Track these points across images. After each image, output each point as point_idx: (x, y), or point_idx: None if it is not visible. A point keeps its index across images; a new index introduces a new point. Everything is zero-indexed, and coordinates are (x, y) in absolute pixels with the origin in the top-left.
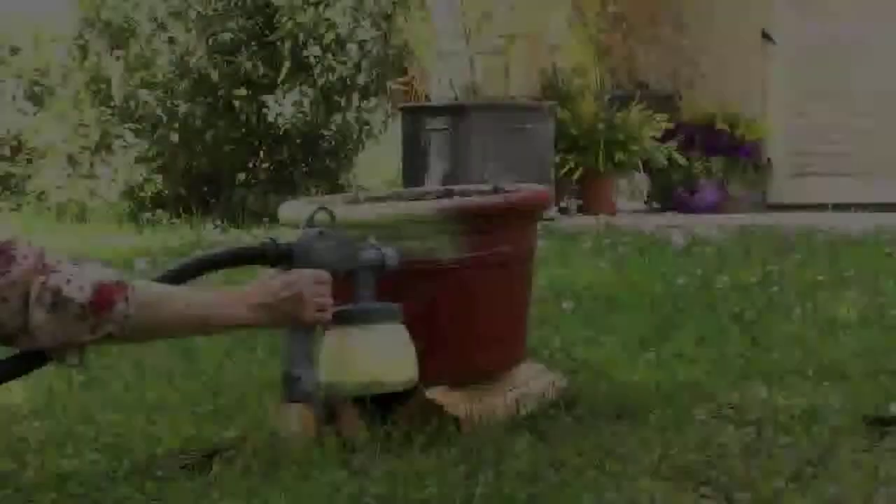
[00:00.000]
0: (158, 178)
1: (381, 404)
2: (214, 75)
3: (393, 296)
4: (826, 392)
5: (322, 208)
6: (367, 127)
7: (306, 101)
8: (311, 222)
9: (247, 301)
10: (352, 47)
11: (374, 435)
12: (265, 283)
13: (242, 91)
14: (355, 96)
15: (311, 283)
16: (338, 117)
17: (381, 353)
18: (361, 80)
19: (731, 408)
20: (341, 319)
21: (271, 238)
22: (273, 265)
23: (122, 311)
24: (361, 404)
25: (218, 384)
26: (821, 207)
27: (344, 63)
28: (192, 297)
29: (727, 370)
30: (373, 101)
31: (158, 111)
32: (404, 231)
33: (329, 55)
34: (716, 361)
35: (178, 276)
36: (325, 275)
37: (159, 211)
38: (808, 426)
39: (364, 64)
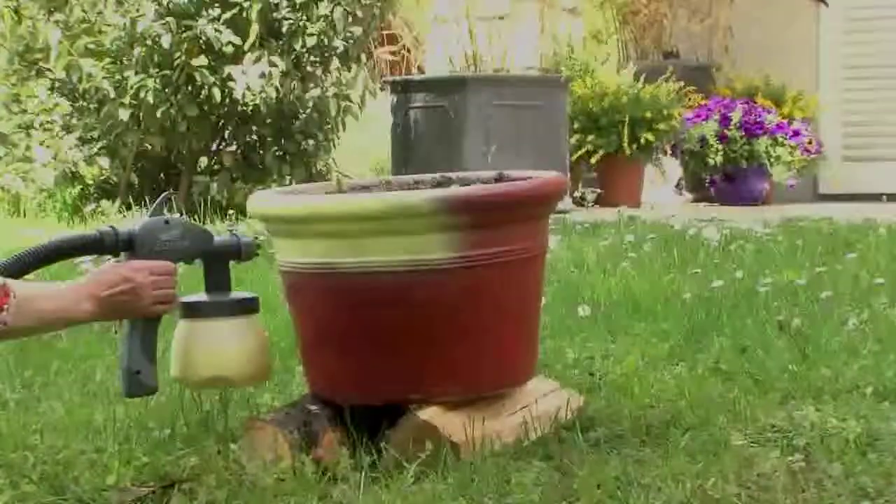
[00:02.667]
0: (105, 162)
1: (368, 427)
2: (169, 42)
3: (383, 301)
4: (885, 413)
5: (170, 193)
6: (349, 103)
7: (277, 73)
8: (157, 210)
9: (91, 294)
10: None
11: (359, 462)
12: (102, 273)
13: (203, 61)
14: (334, 65)
15: (148, 274)
16: (314, 91)
17: (226, 348)
18: (339, 43)
19: (776, 431)
20: (189, 312)
21: (111, 226)
22: (113, 255)
23: (2, 320)
24: (343, 427)
25: (175, 403)
26: (880, 198)
27: (317, 21)
28: (51, 293)
29: (770, 387)
30: (354, 69)
31: (105, 84)
32: (393, 226)
33: (302, 16)
34: (757, 377)
35: (13, 271)
36: (166, 265)
37: (106, 201)
38: (865, 453)
39: (337, 13)
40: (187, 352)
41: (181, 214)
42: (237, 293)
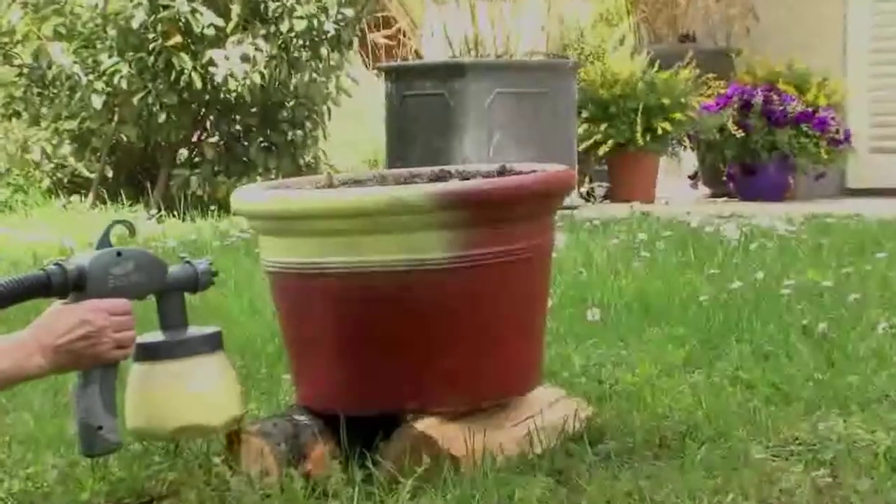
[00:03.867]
0: (77, 154)
1: (361, 439)
2: (143, 22)
3: (377, 303)
4: None
5: (119, 222)
6: (340, 91)
7: (262, 58)
8: (105, 240)
9: (40, 344)
10: None
11: (351, 477)
12: (52, 320)
13: (182, 43)
14: (324, 50)
15: (106, 315)
16: (302, 78)
17: (195, 392)
18: (329, 26)
19: (799, 444)
20: (146, 354)
21: (58, 263)
22: (62, 296)
23: None
24: (334, 439)
25: None
26: None
27: (307, 2)
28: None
29: (794, 396)
30: (345, 52)
31: (76, 70)
32: (387, 223)
33: None
34: (779, 385)
35: None
36: (124, 304)
37: (77, 196)
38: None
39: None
40: (148, 400)
41: (158, 210)
42: (197, 328)
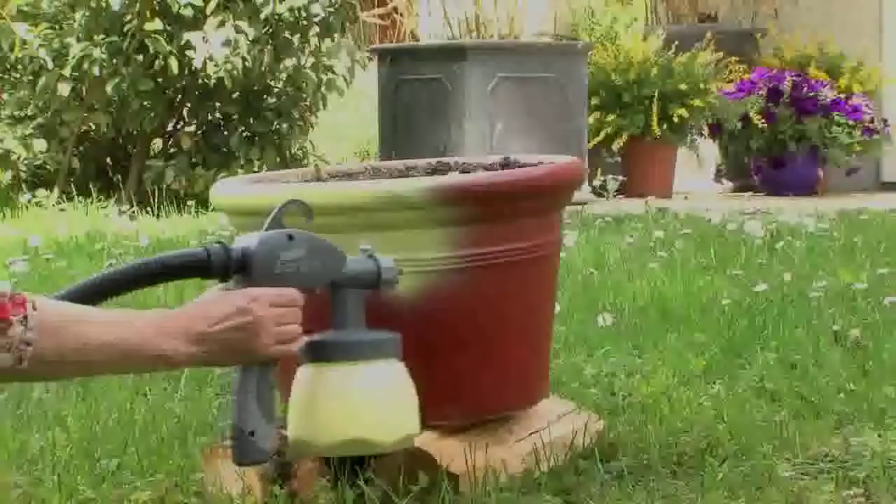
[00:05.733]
0: (41, 144)
1: (353, 455)
2: (118, 3)
3: (369, 307)
4: None
5: (294, 201)
6: (330, 76)
7: (244, 41)
8: (277, 221)
9: (187, 328)
10: None
11: (341, 496)
12: (208, 304)
13: (157, 25)
14: (313, 33)
15: (267, 305)
16: (289, 63)
17: (370, 402)
18: (319, 8)
19: (830, 460)
20: (316, 354)
21: (220, 242)
22: (222, 279)
23: (20, 336)
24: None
25: (126, 428)
26: None
27: None
28: (115, 320)
29: (824, 409)
30: (337, 38)
31: (42, 53)
32: (381, 219)
33: None
34: (808, 397)
35: (85, 298)
36: (292, 294)
37: (42, 190)
38: None
39: None
40: (315, 407)
41: (131, 205)
42: (373, 331)
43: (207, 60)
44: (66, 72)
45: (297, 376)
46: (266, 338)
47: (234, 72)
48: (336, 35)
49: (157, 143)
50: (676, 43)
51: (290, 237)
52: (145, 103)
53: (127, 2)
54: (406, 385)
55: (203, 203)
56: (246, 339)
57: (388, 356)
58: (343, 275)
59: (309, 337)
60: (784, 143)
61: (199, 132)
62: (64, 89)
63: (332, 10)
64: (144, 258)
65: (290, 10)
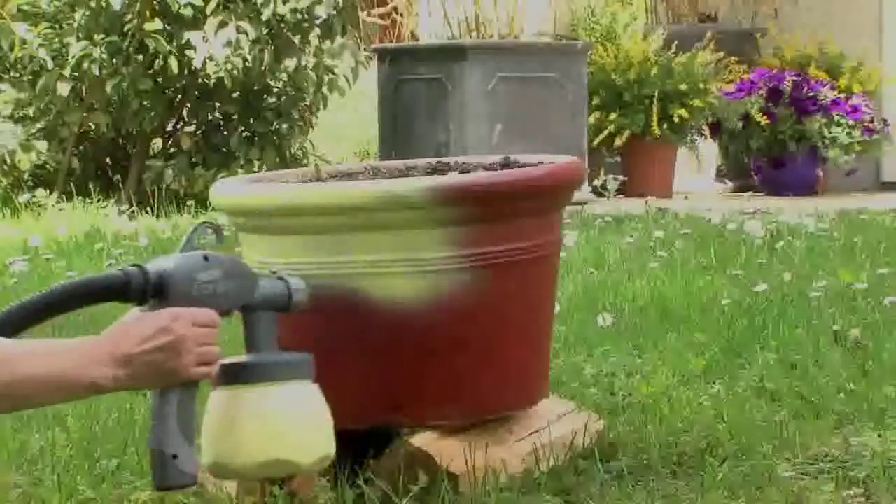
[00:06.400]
0: (41, 144)
1: (352, 455)
2: (118, 3)
3: (368, 307)
4: None
5: (206, 223)
6: (331, 76)
7: (245, 41)
8: (190, 243)
9: (112, 352)
10: None
11: (341, 496)
12: (129, 325)
13: (157, 25)
14: (314, 34)
15: (189, 324)
16: (290, 63)
17: (287, 423)
18: (323, 10)
19: (830, 460)
20: (231, 377)
21: (138, 265)
22: (140, 302)
23: None
24: None
25: (126, 428)
26: None
27: None
28: (42, 352)
29: (824, 409)
30: (339, 40)
31: (41, 53)
32: (380, 220)
33: None
34: (808, 397)
35: (2, 329)
36: (211, 314)
37: (42, 191)
38: None
39: None
40: (231, 430)
41: (130, 205)
42: (286, 352)
43: (207, 60)
44: (66, 71)
45: (211, 400)
46: (188, 358)
47: (234, 72)
48: (338, 36)
49: (157, 143)
50: (676, 43)
51: (206, 258)
52: (145, 103)
53: (127, 1)
54: (321, 406)
55: (203, 203)
56: (168, 359)
57: (302, 377)
58: (256, 296)
59: (222, 361)
60: (784, 143)
61: (199, 132)
62: (64, 89)
63: (334, 12)
64: (62, 282)
65: (293, 11)
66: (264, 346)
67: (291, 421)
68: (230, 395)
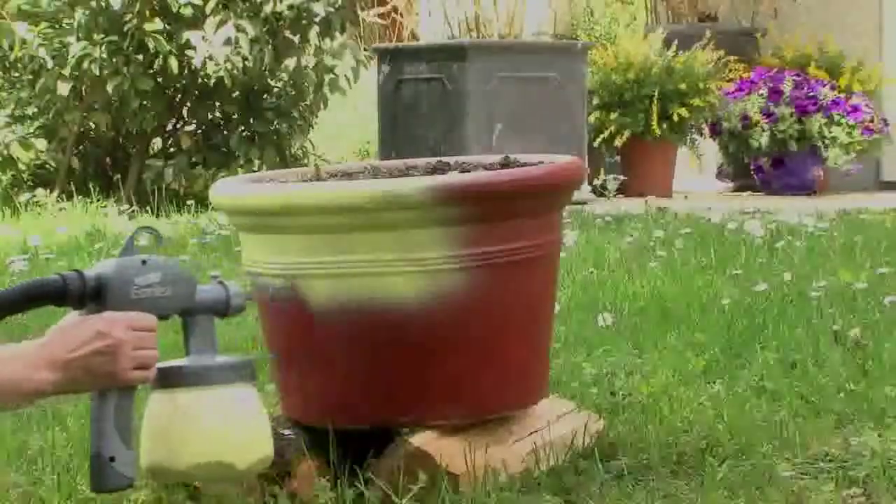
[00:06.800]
0: (41, 144)
1: (352, 454)
2: (118, 3)
3: (369, 307)
4: None
5: (145, 228)
6: (331, 76)
7: (245, 40)
8: (129, 247)
9: (52, 357)
10: None
11: (341, 496)
12: (67, 330)
13: (157, 25)
14: (314, 33)
15: (126, 328)
16: (290, 62)
17: (222, 426)
18: (321, 8)
19: (830, 460)
20: (170, 380)
21: (77, 270)
22: (78, 306)
23: None
24: (323, 454)
25: None
26: None
27: None
28: None
29: (824, 409)
30: (339, 38)
31: (41, 53)
32: (380, 219)
33: None
34: (808, 397)
35: None
36: (149, 318)
37: (42, 190)
38: None
39: None
40: (169, 433)
41: (130, 205)
42: (226, 356)
43: (207, 60)
44: (66, 71)
45: (150, 403)
46: (125, 362)
47: (234, 71)
48: (337, 34)
49: (157, 143)
50: (676, 42)
51: (145, 263)
52: (145, 103)
53: (127, 1)
54: (259, 409)
55: (202, 202)
56: (106, 363)
57: (240, 381)
58: (195, 301)
59: (160, 364)
60: (784, 143)
61: (199, 132)
62: (63, 89)
63: (332, 9)
64: (12, 288)
65: (290, 7)
66: (203, 350)
67: (228, 424)
68: (168, 398)
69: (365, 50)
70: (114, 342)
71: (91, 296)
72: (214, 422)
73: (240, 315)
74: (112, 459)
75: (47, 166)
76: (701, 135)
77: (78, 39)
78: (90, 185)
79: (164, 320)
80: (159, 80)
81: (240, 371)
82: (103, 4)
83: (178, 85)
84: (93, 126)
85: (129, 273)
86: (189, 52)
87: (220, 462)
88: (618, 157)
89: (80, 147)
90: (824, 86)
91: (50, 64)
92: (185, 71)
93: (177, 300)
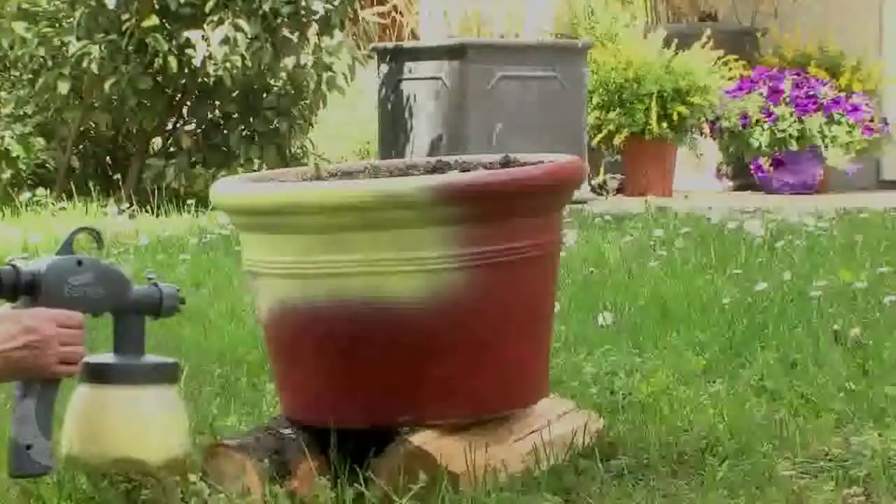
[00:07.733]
0: (41, 143)
1: (352, 454)
2: (112, 2)
3: (366, 307)
4: None
5: (84, 228)
6: (330, 74)
7: (244, 39)
8: (67, 247)
9: None
10: None
11: (341, 495)
12: None
13: (156, 23)
14: (312, 31)
15: (54, 325)
16: (289, 61)
17: (138, 423)
18: (320, 5)
19: (830, 459)
20: (95, 375)
21: (12, 264)
22: (10, 299)
23: None
24: (323, 454)
25: None
26: None
27: None
28: None
29: (824, 408)
30: (337, 36)
31: (41, 52)
32: (380, 219)
33: None
34: (808, 396)
35: None
36: (76, 316)
37: (42, 189)
38: None
39: None
40: (90, 426)
41: (130, 204)
42: (152, 357)
43: (207, 59)
44: (66, 70)
45: (75, 396)
46: (51, 356)
47: (234, 70)
48: (336, 31)
49: (157, 142)
50: (676, 41)
51: (80, 262)
52: (145, 102)
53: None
54: (178, 410)
55: (203, 202)
56: (32, 356)
57: (163, 382)
58: (127, 301)
59: (88, 359)
60: (784, 142)
61: (199, 131)
62: (63, 88)
63: (331, 6)
64: None
65: (288, 2)
66: (130, 349)
67: (145, 423)
68: (92, 392)
69: (365, 49)
70: (41, 338)
71: (24, 290)
72: (129, 419)
73: (171, 316)
74: (29, 447)
75: (47, 165)
76: (701, 134)
77: (77, 38)
78: (90, 185)
79: (97, 317)
80: (159, 79)
81: (163, 372)
82: (103, 3)
83: (177, 84)
84: (93, 125)
85: (64, 271)
86: (189, 52)
87: (131, 459)
88: (618, 156)
89: (80, 146)
90: (824, 85)
91: (49, 63)
92: (185, 70)
93: (109, 299)
